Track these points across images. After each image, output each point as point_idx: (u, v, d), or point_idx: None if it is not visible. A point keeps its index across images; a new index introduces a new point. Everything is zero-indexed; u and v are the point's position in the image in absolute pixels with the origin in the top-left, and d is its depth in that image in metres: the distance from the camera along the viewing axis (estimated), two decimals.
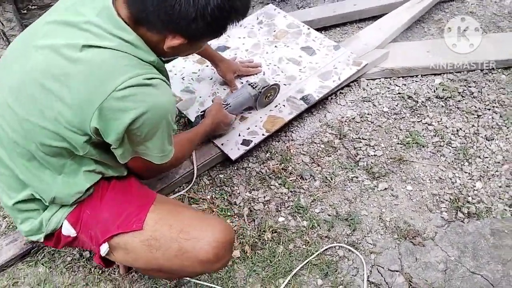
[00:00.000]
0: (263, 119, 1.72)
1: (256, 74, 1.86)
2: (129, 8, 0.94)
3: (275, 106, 1.75)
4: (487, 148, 1.69)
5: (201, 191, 1.61)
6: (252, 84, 1.68)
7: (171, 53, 1.03)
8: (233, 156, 1.62)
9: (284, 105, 1.75)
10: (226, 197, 1.59)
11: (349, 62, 1.87)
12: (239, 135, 1.67)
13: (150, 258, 1.07)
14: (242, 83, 1.84)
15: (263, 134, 1.67)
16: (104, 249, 1.06)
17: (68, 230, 1.09)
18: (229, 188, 1.61)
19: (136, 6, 0.92)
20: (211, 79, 1.86)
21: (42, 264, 1.42)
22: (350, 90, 1.92)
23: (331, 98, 1.89)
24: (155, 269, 1.13)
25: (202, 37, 1.01)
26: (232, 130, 1.69)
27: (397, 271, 1.40)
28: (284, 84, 1.82)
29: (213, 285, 1.36)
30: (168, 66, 1.93)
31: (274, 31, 2.04)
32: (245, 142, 1.65)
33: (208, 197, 1.59)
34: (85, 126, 0.93)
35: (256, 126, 1.70)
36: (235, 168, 1.68)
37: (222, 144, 1.65)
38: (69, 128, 0.94)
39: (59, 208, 1.08)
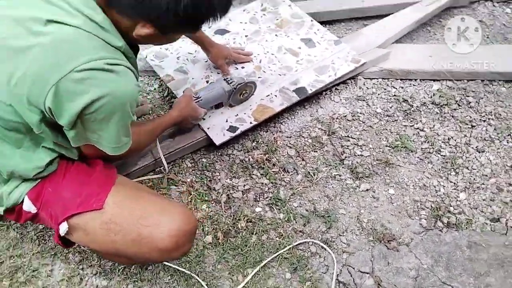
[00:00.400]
0: (253, 107, 1.70)
1: (248, 62, 1.83)
2: None
3: (267, 96, 1.73)
4: (477, 160, 1.66)
5: (181, 173, 1.59)
6: (227, 80, 1.63)
7: (142, 41, 1.00)
8: (218, 141, 1.60)
9: (276, 95, 1.73)
10: (206, 182, 1.57)
11: (348, 59, 1.84)
12: (227, 121, 1.65)
13: (108, 242, 1.05)
14: (237, 69, 1.81)
15: (250, 123, 1.65)
16: (63, 228, 1.04)
17: (28, 206, 1.07)
18: (210, 173, 1.60)
19: None
20: (206, 61, 1.84)
21: (14, 229, 1.43)
22: (346, 87, 1.89)
23: (326, 94, 1.86)
24: (113, 253, 1.12)
25: (174, 31, 0.99)
26: (220, 115, 1.67)
27: (367, 273, 1.38)
28: (279, 74, 1.79)
29: (181, 268, 1.36)
30: (165, 45, 1.92)
31: (277, 19, 2.01)
32: (232, 129, 1.63)
33: (188, 180, 1.57)
34: (39, 103, 0.90)
35: (245, 113, 1.68)
36: (219, 153, 1.66)
37: (208, 128, 1.63)
38: (24, 104, 0.91)
39: (21, 183, 1.06)
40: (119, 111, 0.95)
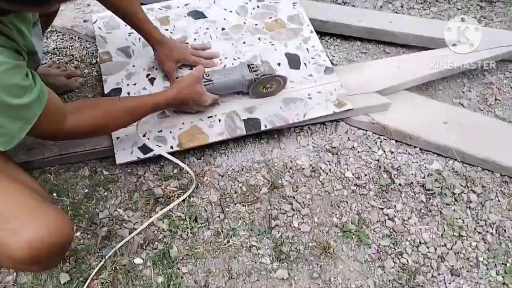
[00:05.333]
0: (185, 127, 1.33)
1: (210, 67, 1.43)
2: None
3: (209, 117, 1.35)
4: (444, 285, 1.23)
5: (72, 185, 1.28)
6: (251, 66, 1.33)
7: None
8: (119, 160, 1.26)
9: (219, 120, 1.34)
10: (93, 202, 1.25)
11: (330, 98, 1.40)
12: (144, 135, 1.29)
13: None
14: (190, 69, 1.43)
15: (171, 147, 1.29)
16: None
17: None
18: (103, 192, 1.28)
19: None
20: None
21: None
22: (322, 129, 1.47)
23: (294, 130, 1.45)
24: None
25: None
26: (153, 122, 1.32)
27: None
28: (237, 93, 1.40)
29: None
30: None
31: (270, 17, 1.57)
32: (144, 149, 1.28)
33: (74, 194, 1.26)
34: None
35: (170, 132, 1.31)
36: (128, 170, 1.33)
37: (117, 138, 1.29)
38: None
39: None
40: None
